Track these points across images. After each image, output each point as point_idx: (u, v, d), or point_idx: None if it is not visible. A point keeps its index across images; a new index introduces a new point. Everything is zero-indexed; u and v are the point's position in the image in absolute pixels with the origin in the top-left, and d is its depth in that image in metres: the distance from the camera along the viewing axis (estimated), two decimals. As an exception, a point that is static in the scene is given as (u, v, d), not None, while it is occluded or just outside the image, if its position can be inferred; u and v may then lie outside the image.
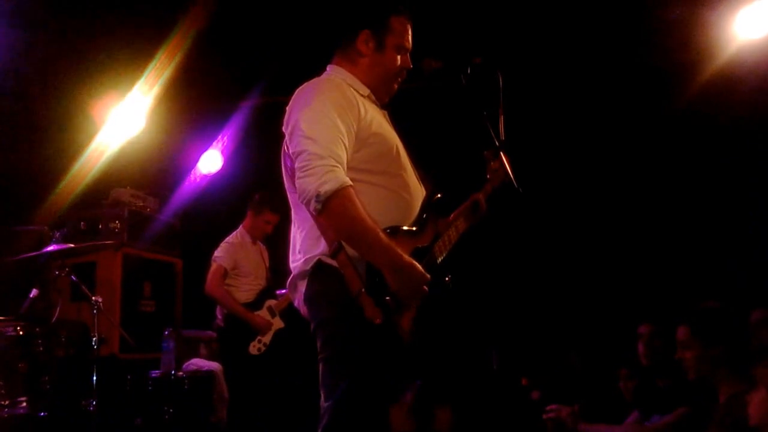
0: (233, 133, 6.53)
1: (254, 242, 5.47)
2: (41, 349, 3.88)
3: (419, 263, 2.30)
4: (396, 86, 2.69)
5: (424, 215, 2.54)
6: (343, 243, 2.27)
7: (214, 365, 5.24)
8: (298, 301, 2.50)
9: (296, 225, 2.54)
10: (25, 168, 5.39)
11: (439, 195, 2.65)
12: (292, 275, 2.51)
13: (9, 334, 3.72)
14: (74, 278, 4.36)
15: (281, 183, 2.59)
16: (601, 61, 5.57)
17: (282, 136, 2.48)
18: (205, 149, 6.59)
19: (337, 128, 2.33)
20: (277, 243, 5.21)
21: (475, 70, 2.69)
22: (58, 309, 4.31)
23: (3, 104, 5.14)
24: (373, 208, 2.29)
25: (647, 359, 3.97)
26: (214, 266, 5.23)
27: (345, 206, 2.22)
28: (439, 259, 2.54)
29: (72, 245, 4.35)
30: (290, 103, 2.46)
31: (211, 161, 6.60)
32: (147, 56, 5.37)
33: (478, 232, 2.81)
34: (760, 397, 2.66)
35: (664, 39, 5.30)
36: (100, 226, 5.57)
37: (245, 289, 5.27)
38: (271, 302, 5.27)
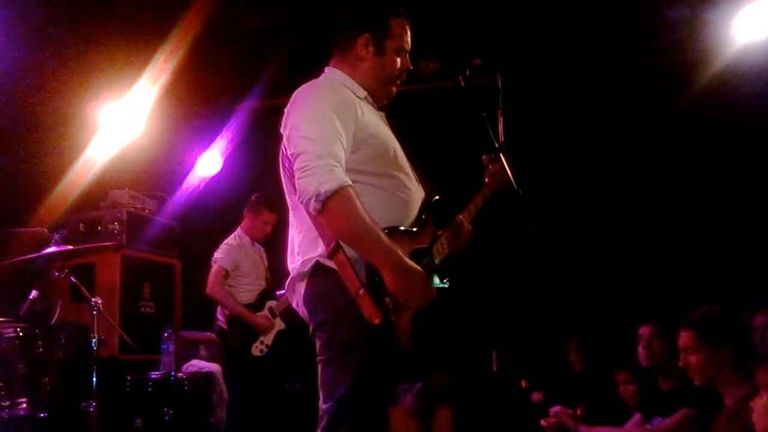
0: (232, 136, 6.55)
1: (253, 243, 5.50)
2: (41, 350, 3.89)
3: (418, 264, 2.30)
4: (395, 89, 2.70)
5: (423, 216, 2.55)
6: (342, 243, 2.27)
7: (214, 366, 5.25)
8: (297, 302, 2.51)
9: (294, 226, 2.55)
10: (25, 170, 5.40)
11: (438, 196, 2.65)
12: (290, 277, 2.52)
13: (9, 335, 3.73)
14: (74, 280, 4.36)
15: (279, 184, 2.60)
16: (601, 62, 5.59)
17: (280, 137, 2.49)
18: (204, 151, 6.60)
19: (335, 129, 2.34)
20: (275, 244, 5.21)
21: (474, 71, 2.69)
22: (57, 310, 4.34)
23: (2, 107, 5.14)
24: (372, 209, 2.29)
25: (648, 361, 3.96)
26: (214, 268, 5.24)
27: (345, 206, 2.23)
28: (438, 260, 2.54)
29: (71, 247, 4.36)
30: (288, 104, 2.47)
31: (209, 163, 6.61)
32: (146, 59, 5.38)
33: (478, 234, 2.80)
34: (763, 403, 2.65)
35: (664, 39, 5.32)
36: (99, 228, 5.56)
37: (246, 290, 5.29)
38: (272, 303, 5.29)
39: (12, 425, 3.65)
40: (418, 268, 2.27)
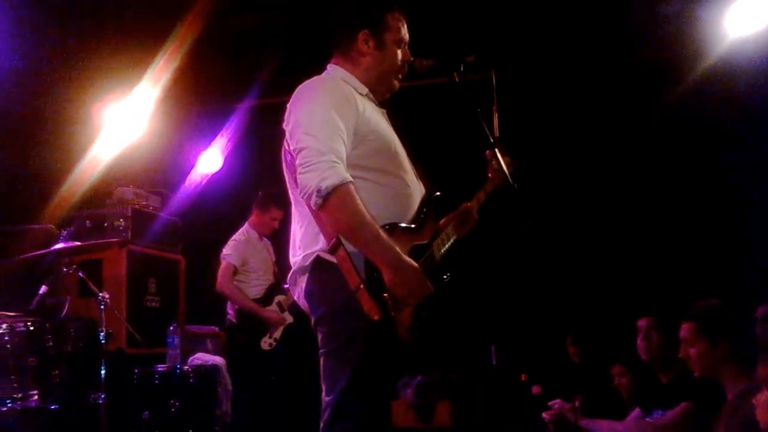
0: (232, 134, 6.62)
1: (261, 238, 5.57)
2: (51, 343, 3.94)
3: (417, 260, 2.33)
4: (397, 82, 2.74)
5: (423, 213, 2.58)
6: (342, 238, 2.29)
7: (218, 359, 5.32)
8: (299, 295, 2.54)
9: (296, 221, 2.58)
10: (32, 169, 5.48)
11: (438, 193, 2.69)
12: (292, 271, 2.55)
13: (20, 329, 3.79)
14: (81, 275, 4.44)
15: (280, 180, 2.64)
16: (594, 57, 5.64)
17: (282, 133, 2.52)
18: (205, 149, 6.68)
19: (336, 125, 2.37)
20: (282, 239, 5.28)
21: (468, 67, 2.71)
22: (66, 305, 4.41)
23: (8, 107, 5.22)
24: (372, 205, 2.32)
25: (646, 353, 3.96)
26: (223, 264, 5.29)
27: (345, 201, 2.25)
28: (439, 255, 2.58)
29: (79, 243, 4.44)
30: (290, 100, 2.51)
31: (211, 161, 6.68)
32: (147, 61, 5.46)
33: (476, 229, 2.85)
34: (764, 399, 2.63)
35: (657, 34, 5.37)
36: (105, 225, 5.65)
37: (254, 285, 5.36)
38: (280, 297, 5.36)
39: (24, 417, 3.71)
40: (416, 264, 2.30)
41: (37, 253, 4.19)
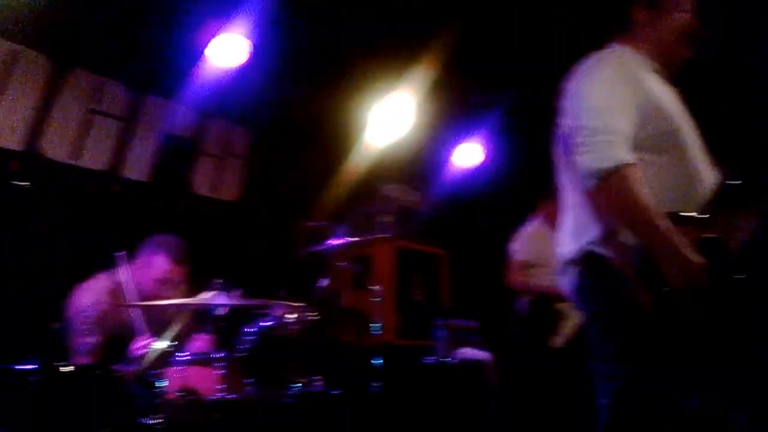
0: (492, 127, 6.62)
1: (553, 230, 5.30)
2: (331, 333, 4.20)
3: (707, 255, 2.13)
4: (684, 51, 2.50)
5: (715, 203, 2.32)
6: (617, 228, 2.16)
7: (484, 355, 5.34)
8: (568, 290, 2.43)
9: (566, 209, 2.47)
10: (309, 169, 5.91)
11: (733, 182, 2.39)
12: (561, 263, 2.44)
13: (305, 318, 4.07)
14: (356, 269, 4.69)
15: (541, 173, 2.56)
16: None
17: (553, 119, 2.42)
18: (464, 143, 6.73)
19: (619, 102, 2.23)
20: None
21: None
22: (342, 297, 4.68)
23: (292, 111, 5.66)
24: (655, 191, 2.16)
25: None
26: (511, 259, 5.18)
27: (623, 185, 2.11)
28: (732, 253, 2.30)
29: (352, 239, 4.69)
30: (570, 78, 2.40)
31: (470, 155, 6.72)
32: (408, 66, 5.63)
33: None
34: None
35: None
36: (373, 221, 5.95)
37: (544, 280, 5.17)
38: None
39: (309, 400, 3.98)
40: (701, 259, 2.10)
41: (318, 248, 4.47)
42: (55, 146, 4.89)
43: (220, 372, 3.27)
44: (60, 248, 4.38)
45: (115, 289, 3.77)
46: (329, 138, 5.99)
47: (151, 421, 3.08)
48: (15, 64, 4.71)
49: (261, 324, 3.66)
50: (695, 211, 2.29)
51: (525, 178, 5.64)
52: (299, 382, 3.75)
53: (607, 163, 2.11)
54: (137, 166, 5.34)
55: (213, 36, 4.76)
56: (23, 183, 4.03)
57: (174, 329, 3.82)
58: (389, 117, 5.96)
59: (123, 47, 4.96)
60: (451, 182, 6.75)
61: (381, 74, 5.75)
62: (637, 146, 2.24)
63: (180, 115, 5.56)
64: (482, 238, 5.70)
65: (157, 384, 3.17)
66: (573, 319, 4.99)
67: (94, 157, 5.10)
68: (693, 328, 2.18)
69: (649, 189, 2.14)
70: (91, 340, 3.68)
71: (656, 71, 2.46)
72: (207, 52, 4.80)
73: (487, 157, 6.70)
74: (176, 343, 3.74)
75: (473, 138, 6.70)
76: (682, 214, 2.24)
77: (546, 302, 4.95)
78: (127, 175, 5.28)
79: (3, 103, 4.65)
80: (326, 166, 6.11)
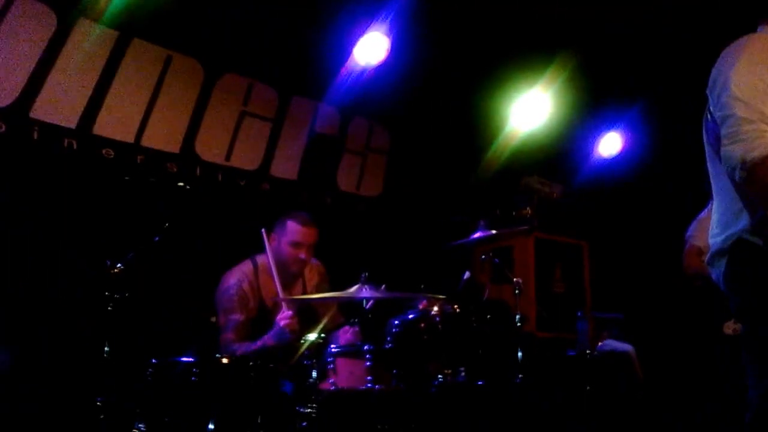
0: (634, 116, 6.45)
1: None
2: (474, 325, 4.27)
3: None
4: None
5: None
6: None
7: (628, 347, 5.26)
8: (717, 279, 2.38)
9: (716, 197, 2.42)
10: (449, 163, 6.00)
11: None
12: (710, 252, 2.40)
13: (449, 311, 4.16)
14: (497, 261, 4.74)
15: (684, 159, 2.50)
16: None
17: (705, 100, 2.37)
18: (605, 133, 6.60)
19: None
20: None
21: None
22: (486, 289, 4.74)
23: (437, 105, 5.72)
24: None
25: None
26: (688, 245, 5.09)
27: None
28: None
29: (493, 232, 4.74)
30: (716, 64, 2.33)
31: (611, 144, 6.58)
32: (546, 62, 5.61)
33: None
34: None
35: None
36: (513, 213, 5.97)
37: None
38: None
39: (453, 390, 4.07)
40: None
41: (461, 241, 4.55)
42: (209, 148, 5.19)
43: (368, 364, 3.40)
44: (213, 245, 4.70)
45: (257, 270, 4.12)
46: (470, 131, 6.05)
47: (304, 410, 3.29)
48: (168, 69, 4.94)
49: (406, 317, 3.78)
50: None
51: (667, 168, 5.49)
52: (443, 374, 3.85)
53: (754, 154, 2.07)
54: (285, 165, 5.61)
55: (359, 36, 4.90)
56: (185, 184, 4.33)
57: (323, 322, 4.05)
58: (530, 109, 5.95)
59: (270, 50, 5.20)
60: (593, 173, 6.65)
61: (521, 67, 5.75)
62: None
63: (324, 115, 5.78)
64: (625, 228, 5.58)
65: (308, 375, 3.38)
66: None
67: (245, 157, 5.41)
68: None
69: None
70: (235, 317, 3.99)
71: None
72: (355, 51, 4.94)
73: (628, 146, 6.54)
74: (325, 335, 3.95)
75: (615, 128, 6.56)
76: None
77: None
78: (275, 174, 5.56)
79: (159, 107, 4.90)
80: (467, 160, 6.18)
